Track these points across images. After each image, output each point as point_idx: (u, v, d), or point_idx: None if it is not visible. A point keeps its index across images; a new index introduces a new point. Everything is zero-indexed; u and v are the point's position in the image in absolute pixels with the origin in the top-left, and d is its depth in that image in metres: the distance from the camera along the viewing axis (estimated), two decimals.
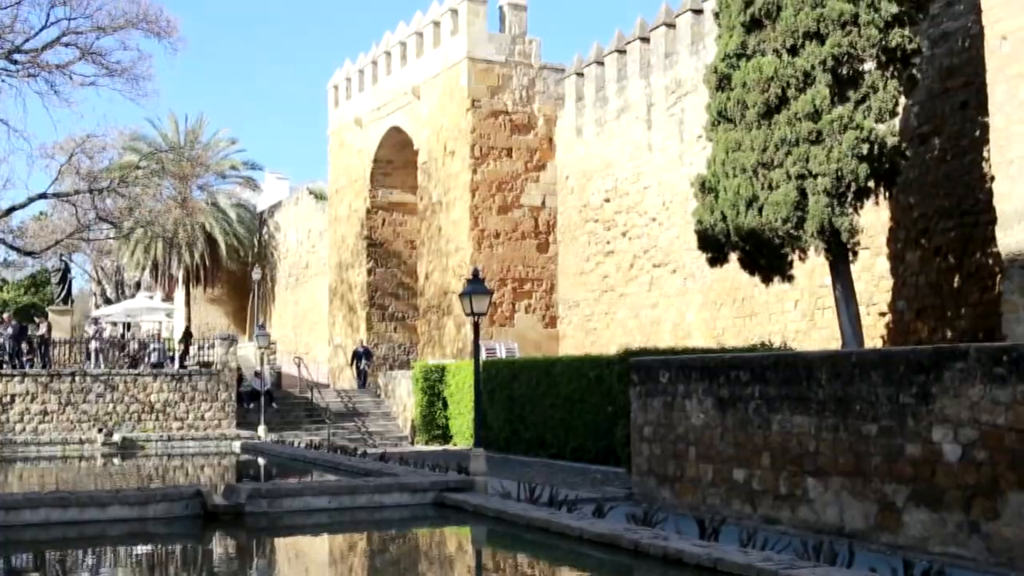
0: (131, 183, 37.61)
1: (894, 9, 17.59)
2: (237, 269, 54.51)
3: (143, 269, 55.97)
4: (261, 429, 30.64)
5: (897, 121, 19.15)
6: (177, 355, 34.57)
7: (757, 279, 19.98)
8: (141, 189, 38.82)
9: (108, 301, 62.55)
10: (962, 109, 20.19)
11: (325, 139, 44.58)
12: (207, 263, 53.32)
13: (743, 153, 18.44)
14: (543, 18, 74.41)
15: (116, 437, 29.75)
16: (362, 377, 37.35)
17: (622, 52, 31.91)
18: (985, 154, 18.89)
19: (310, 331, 49.14)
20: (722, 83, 19.16)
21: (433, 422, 30.16)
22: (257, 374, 34.26)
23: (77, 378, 30.67)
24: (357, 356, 37.79)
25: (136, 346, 35.17)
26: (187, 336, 36.69)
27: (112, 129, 49.85)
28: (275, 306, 54.31)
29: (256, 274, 49.26)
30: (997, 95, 15.78)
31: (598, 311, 32.42)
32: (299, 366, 37.14)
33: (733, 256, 19.52)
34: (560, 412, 23.52)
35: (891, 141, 18.02)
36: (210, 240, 52.55)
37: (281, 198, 56.60)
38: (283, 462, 25.22)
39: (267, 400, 32.27)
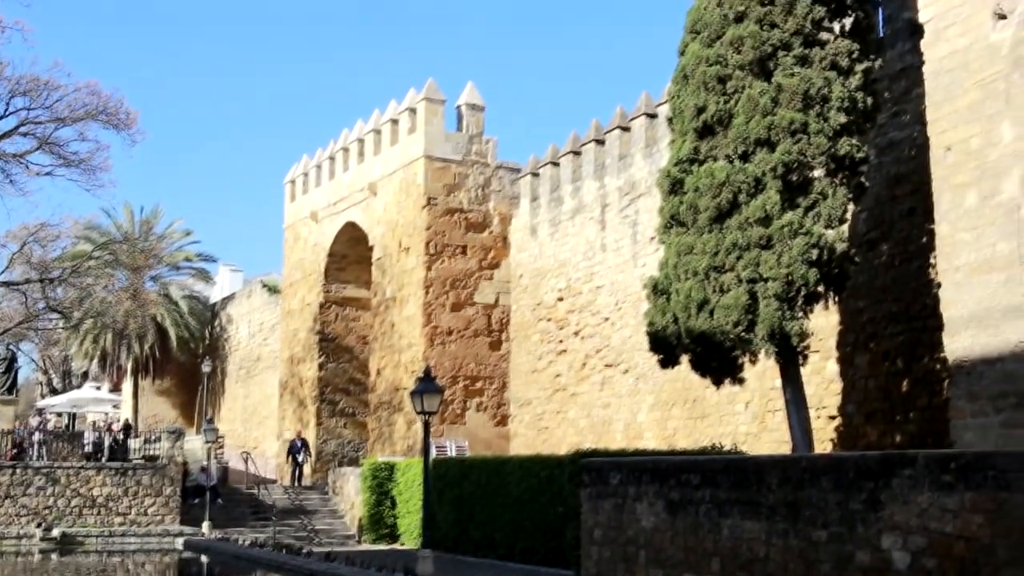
0: (83, 273, 37.34)
1: (842, 119, 17.96)
2: (187, 361, 53.93)
3: (91, 359, 55.27)
4: (205, 525, 30.01)
5: (846, 227, 19.44)
6: (105, 446, 33.81)
7: (708, 381, 20.00)
8: (93, 279, 38.55)
9: (54, 391, 61.57)
10: (909, 216, 20.56)
11: (280, 233, 44.60)
12: (157, 354, 52.76)
13: (695, 256, 18.60)
14: (500, 118, 75.60)
15: (55, 532, 29.02)
16: (298, 471, 36.46)
17: (577, 153, 32.32)
18: (932, 260, 19.18)
19: (259, 425, 48.52)
20: (675, 187, 19.40)
21: (381, 520, 29.69)
22: (203, 469, 33.68)
23: (18, 470, 29.97)
24: (294, 449, 36.93)
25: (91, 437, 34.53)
26: (126, 429, 36.06)
27: (66, 218, 49.72)
28: (225, 399, 53.66)
29: (206, 367, 48.77)
30: (943, 203, 16.08)
31: (550, 410, 32.30)
32: (247, 461, 36.56)
33: (684, 358, 19.56)
34: (510, 512, 23.25)
35: (840, 247, 18.25)
36: (161, 331, 52.06)
37: (234, 290, 56.34)
38: (226, 560, 24.67)
39: (213, 496, 31.67)
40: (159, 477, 31.04)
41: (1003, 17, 15.15)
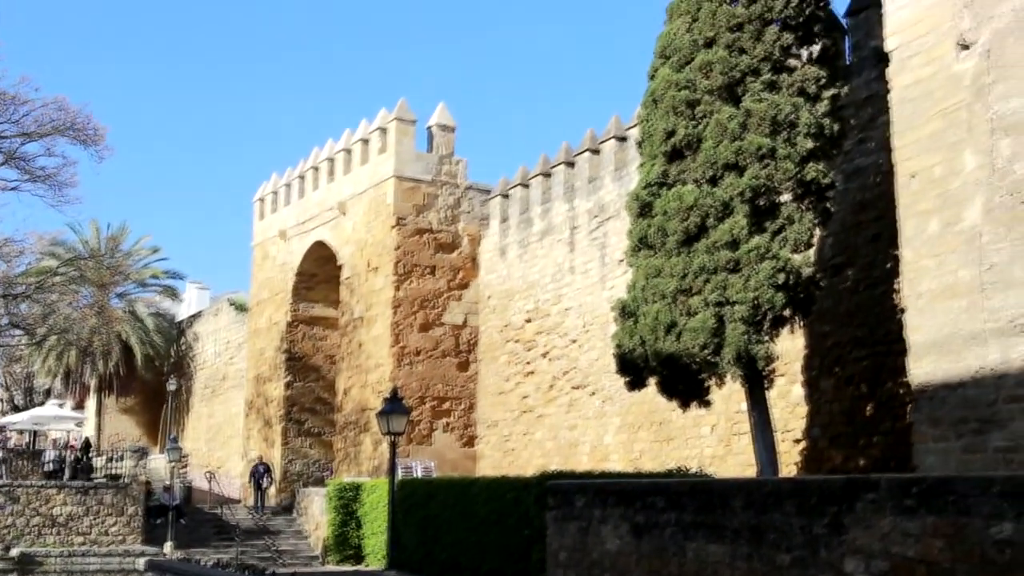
0: (48, 289, 37.01)
1: (809, 144, 18.14)
2: (152, 379, 53.50)
3: (55, 376, 54.71)
4: (168, 546, 29.73)
5: (812, 252, 19.61)
6: (67, 464, 33.43)
7: (675, 403, 20.08)
8: (58, 296, 38.20)
9: (16, 408, 60.84)
10: (874, 242, 20.77)
11: (249, 251, 44.42)
12: (121, 372, 52.29)
13: (663, 279, 18.70)
14: (471, 139, 75.81)
15: (14, 552, 28.66)
16: (261, 495, 35.85)
17: (547, 175, 32.44)
18: (896, 286, 19.37)
19: (224, 445, 48.18)
20: (644, 210, 19.50)
21: (346, 541, 29.51)
22: (167, 488, 33.38)
23: None
24: (257, 473, 36.25)
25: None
26: (86, 447, 35.69)
27: (31, 234, 49.24)
28: (190, 418, 53.25)
29: (171, 385, 48.42)
30: (907, 230, 16.25)
31: (517, 431, 32.27)
32: (211, 480, 36.27)
33: (652, 380, 19.63)
34: (476, 534, 23.17)
35: (807, 271, 18.42)
36: (126, 349, 51.63)
37: (202, 308, 56.01)
38: None
39: (176, 515, 31.39)
40: (122, 496, 30.72)
41: (966, 48, 15.37)
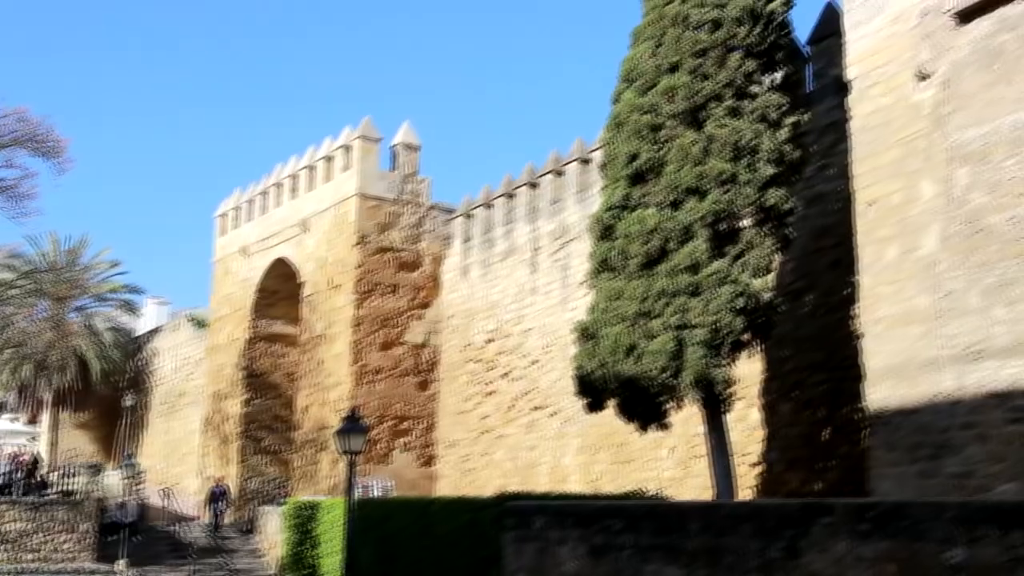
0: (4, 302, 36.60)
1: (771, 170, 18.31)
2: (109, 394, 52.88)
3: (9, 391, 53.95)
4: (121, 563, 29.33)
5: (772, 277, 19.76)
6: (18, 480, 32.85)
7: (634, 426, 20.12)
8: (14, 309, 37.76)
9: None
10: (833, 268, 20.96)
11: (209, 266, 44.13)
12: (77, 387, 51.63)
13: (624, 302, 18.77)
14: (435, 158, 75.84)
15: None
16: (218, 520, 35.03)
17: (510, 196, 32.50)
18: (854, 312, 19.55)
19: (181, 462, 47.68)
20: (606, 233, 19.58)
21: (302, 561, 29.26)
22: (121, 505, 32.98)
23: None
24: (214, 496, 35.49)
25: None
26: (34, 463, 35.17)
27: None
28: (146, 434, 52.67)
29: (128, 400, 47.86)
30: (865, 257, 16.45)
31: (476, 451, 32.21)
32: (166, 498, 35.87)
33: (611, 402, 19.67)
34: (434, 554, 23.06)
35: (766, 296, 18.55)
36: (82, 363, 51.02)
37: (161, 323, 55.51)
38: None
39: (130, 532, 30.99)
40: (75, 513, 30.26)
41: (924, 78, 15.61)
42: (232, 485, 38.05)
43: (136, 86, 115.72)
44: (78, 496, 30.93)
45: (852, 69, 16.95)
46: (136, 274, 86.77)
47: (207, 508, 36.19)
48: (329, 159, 36.03)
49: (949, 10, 15.24)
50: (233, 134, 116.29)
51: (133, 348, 54.77)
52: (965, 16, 15.07)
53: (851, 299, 19.61)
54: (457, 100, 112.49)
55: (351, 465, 16.95)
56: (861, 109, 16.74)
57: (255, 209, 40.58)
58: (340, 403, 32.55)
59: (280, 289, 39.44)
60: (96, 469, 32.09)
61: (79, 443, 54.50)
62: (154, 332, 54.51)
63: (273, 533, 31.83)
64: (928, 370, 14.99)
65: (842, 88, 17.97)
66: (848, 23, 17.13)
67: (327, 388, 34.43)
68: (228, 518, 35.88)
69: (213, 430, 41.50)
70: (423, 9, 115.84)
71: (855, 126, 16.86)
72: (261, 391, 39.79)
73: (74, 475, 32.48)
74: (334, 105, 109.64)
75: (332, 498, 30.05)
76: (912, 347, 15.30)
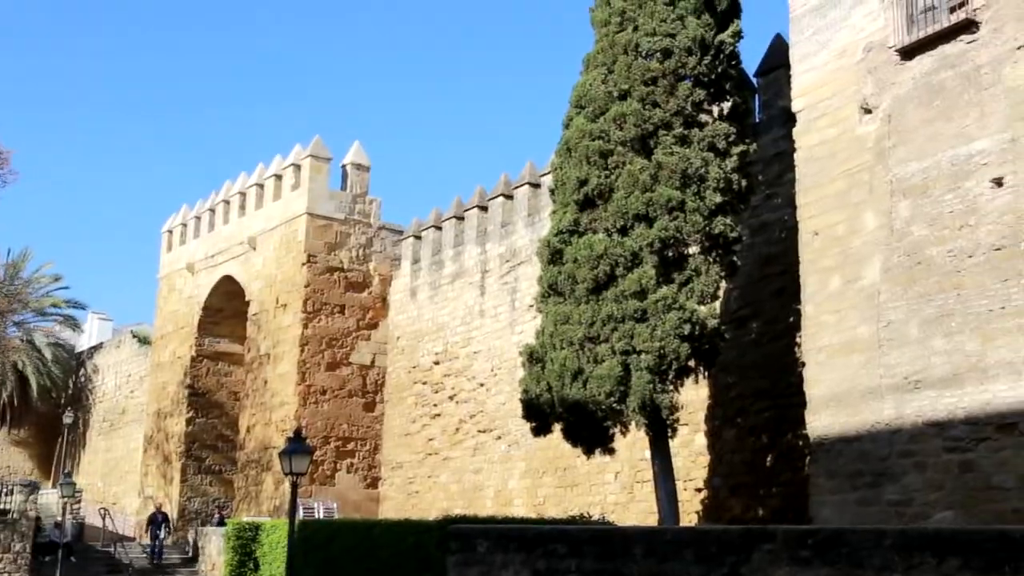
0: None
1: (718, 199, 18.52)
2: (48, 411, 52.10)
3: None
4: None
5: (718, 304, 19.97)
6: None
7: (579, 450, 20.18)
8: None
9: None
10: (778, 296, 21.22)
11: (155, 283, 43.69)
12: (15, 403, 50.81)
13: (571, 326, 18.86)
14: (385, 179, 75.73)
15: None
16: (157, 547, 33.80)
17: (460, 218, 32.56)
18: (798, 340, 19.77)
19: (121, 481, 47.04)
20: (554, 257, 19.68)
21: None
22: (58, 524, 32.45)
23: None
24: (155, 523, 34.23)
25: None
26: None
27: None
28: (86, 452, 51.91)
29: (68, 417, 47.23)
30: (809, 285, 16.67)
31: (421, 474, 32.11)
32: (104, 517, 35.33)
33: (557, 426, 19.73)
34: None
35: (712, 323, 18.72)
36: (21, 379, 50.22)
37: (103, 340, 54.84)
38: None
39: (66, 553, 30.49)
40: (9, 532, 29.69)
41: (868, 112, 15.91)
42: (173, 505, 37.59)
43: (82, 98, 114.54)
44: (13, 515, 30.36)
45: (799, 101, 17.22)
46: (79, 289, 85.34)
47: (147, 533, 35.53)
48: (278, 177, 35.89)
49: (893, 46, 15.56)
50: (181, 150, 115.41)
51: (74, 364, 54.03)
52: (908, 53, 15.39)
53: (795, 327, 19.86)
54: (408, 121, 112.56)
55: (294, 486, 16.85)
56: (807, 140, 17.00)
57: (202, 226, 40.28)
58: (285, 423, 32.33)
59: (226, 307, 39.13)
60: (33, 487, 31.49)
61: (16, 461, 53.64)
62: (96, 348, 53.83)
63: (214, 555, 31.46)
64: (869, 399, 15.21)
65: (789, 119, 18.25)
66: (795, 55, 17.42)
67: (272, 408, 34.18)
68: (168, 542, 35.35)
69: (155, 449, 40.99)
70: (376, 30, 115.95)
71: (801, 157, 17.12)
72: (205, 410, 39.39)
73: (9, 493, 31.87)
74: (285, 123, 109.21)
75: (275, 519, 29.80)
76: (853, 376, 15.51)
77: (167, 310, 42.16)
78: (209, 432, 39.33)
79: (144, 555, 32.83)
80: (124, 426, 48.20)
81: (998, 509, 13.44)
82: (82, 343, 56.55)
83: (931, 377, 14.45)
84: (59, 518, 33.32)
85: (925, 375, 14.52)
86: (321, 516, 30.24)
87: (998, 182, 14.00)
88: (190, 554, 33.60)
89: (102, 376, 51.86)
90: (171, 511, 36.97)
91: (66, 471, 42.64)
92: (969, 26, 14.56)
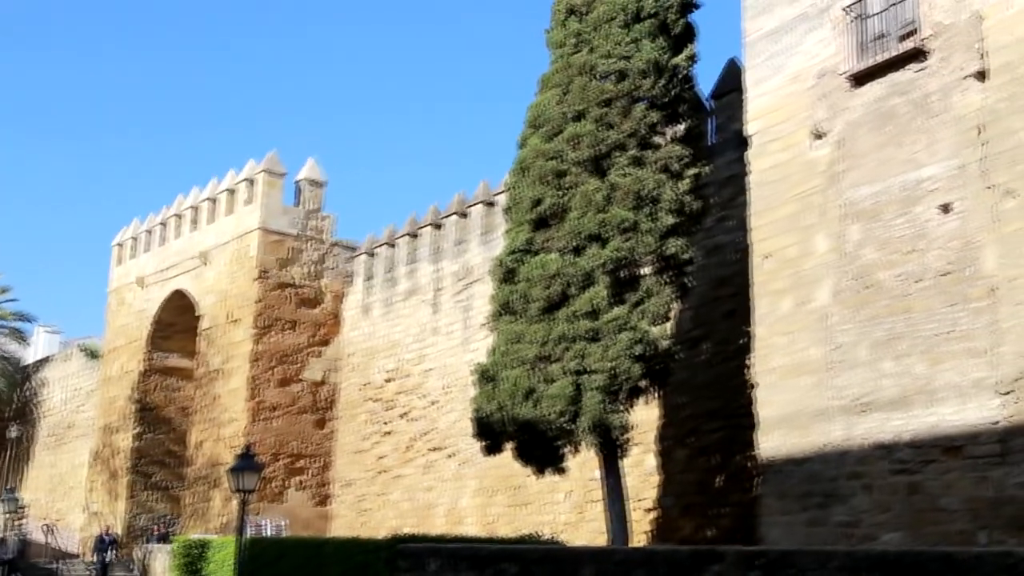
0: None
1: (671, 220, 18.62)
2: None
3: None
4: None
5: (670, 324, 20.05)
6: None
7: (531, 469, 20.15)
8: None
9: None
10: (730, 317, 21.34)
11: (105, 296, 43.16)
12: None
13: (524, 345, 18.87)
14: (339, 195, 75.43)
15: None
16: (101, 563, 32.49)
17: (414, 236, 32.50)
18: (749, 361, 19.91)
19: (66, 496, 46.30)
20: (508, 276, 19.69)
21: None
22: (1, 541, 31.89)
23: None
24: (101, 546, 32.91)
25: None
26: None
27: None
28: (31, 467, 51.03)
29: (13, 432, 46.48)
30: (760, 308, 16.80)
31: (372, 491, 31.92)
32: (48, 534, 34.77)
33: (509, 445, 19.69)
34: None
35: (664, 343, 18.79)
36: None
37: (51, 353, 54.09)
38: None
39: (8, 570, 29.98)
40: None
41: (820, 136, 16.11)
42: (119, 521, 37.02)
43: (34, 109, 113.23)
44: None
45: (752, 124, 17.39)
46: (27, 302, 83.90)
47: (94, 556, 34.79)
48: (232, 192, 35.66)
49: (844, 72, 15.78)
50: (133, 164, 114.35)
51: (20, 378, 53.18)
52: (859, 79, 15.61)
53: (746, 348, 19.97)
54: (364, 138, 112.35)
55: (243, 503, 16.69)
56: (760, 164, 17.17)
57: (154, 239, 39.90)
58: (235, 439, 32.03)
59: (177, 322, 38.70)
60: None
61: None
62: (43, 362, 53.06)
63: (160, 572, 31.03)
64: (818, 420, 15.35)
65: (742, 142, 18.42)
66: (749, 80, 17.60)
67: (222, 424, 33.85)
68: (114, 560, 34.74)
69: (102, 464, 40.40)
70: (333, 48, 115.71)
71: (754, 180, 17.28)
72: (154, 425, 38.89)
73: None
74: (239, 139, 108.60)
75: (223, 537, 29.45)
76: (803, 397, 15.64)
77: (117, 324, 41.66)
78: (157, 448, 38.82)
79: (88, 573, 32.29)
80: (71, 441, 47.49)
81: (944, 531, 13.59)
82: (29, 356, 55.72)
83: (880, 399, 14.60)
84: (2, 534, 32.74)
85: (874, 397, 14.67)
86: (270, 534, 29.93)
87: (946, 208, 14.22)
88: (136, 572, 33.11)
89: (49, 390, 51.09)
90: (117, 527, 36.41)
91: (9, 487, 41.93)
92: (919, 55, 14.80)
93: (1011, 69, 13.80)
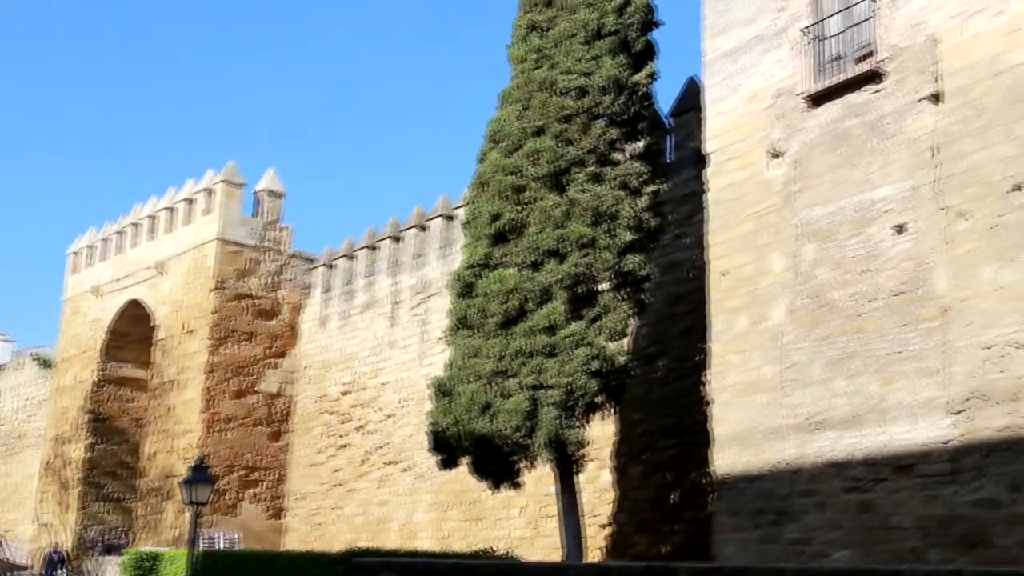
0: None
1: (629, 237, 18.70)
2: None
3: None
4: None
5: (627, 341, 20.11)
6: None
7: (486, 484, 20.10)
8: None
9: None
10: (686, 334, 21.45)
11: (59, 305, 42.67)
12: None
13: (480, 360, 18.84)
14: (298, 206, 75.09)
15: None
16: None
17: (373, 248, 32.42)
18: (705, 378, 20.01)
19: (17, 507, 45.64)
20: (465, 290, 19.67)
21: None
22: None
23: None
24: (51, 563, 33.11)
25: None
26: None
27: None
28: None
29: None
30: (716, 325, 16.89)
31: (326, 505, 31.73)
32: None
33: (464, 460, 19.63)
34: None
35: (620, 359, 18.84)
36: None
37: (3, 361, 53.40)
38: None
39: None
40: None
41: (777, 156, 16.24)
42: (70, 533, 36.53)
43: None
44: None
45: (710, 143, 17.51)
46: None
47: (43, 572, 34.27)
48: (190, 201, 35.42)
49: (801, 93, 15.93)
50: (90, 171, 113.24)
51: None
52: (816, 100, 15.77)
53: (702, 366, 20.07)
54: (324, 150, 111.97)
55: (196, 516, 16.53)
56: (717, 182, 17.28)
57: (110, 248, 39.51)
58: (189, 451, 31.74)
59: (132, 332, 38.32)
60: None
61: None
62: None
63: None
64: (772, 438, 15.43)
65: (700, 160, 18.53)
66: (708, 99, 17.73)
67: (176, 435, 33.53)
68: (63, 573, 34.25)
69: (53, 475, 39.85)
70: (295, 59, 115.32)
71: (711, 198, 17.39)
72: (106, 436, 38.42)
73: None
74: (198, 148, 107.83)
75: (175, 549, 29.16)
76: (757, 415, 15.73)
77: (70, 333, 41.18)
78: (110, 459, 38.35)
79: None
80: (22, 451, 46.84)
81: (896, 549, 13.70)
82: None
83: (832, 418, 14.71)
84: None
85: (827, 416, 14.78)
86: (223, 547, 29.68)
87: (899, 229, 14.37)
88: None
89: (1, 399, 50.44)
90: (68, 539, 35.93)
91: None
92: (874, 77, 14.97)
93: (965, 92, 13.99)
